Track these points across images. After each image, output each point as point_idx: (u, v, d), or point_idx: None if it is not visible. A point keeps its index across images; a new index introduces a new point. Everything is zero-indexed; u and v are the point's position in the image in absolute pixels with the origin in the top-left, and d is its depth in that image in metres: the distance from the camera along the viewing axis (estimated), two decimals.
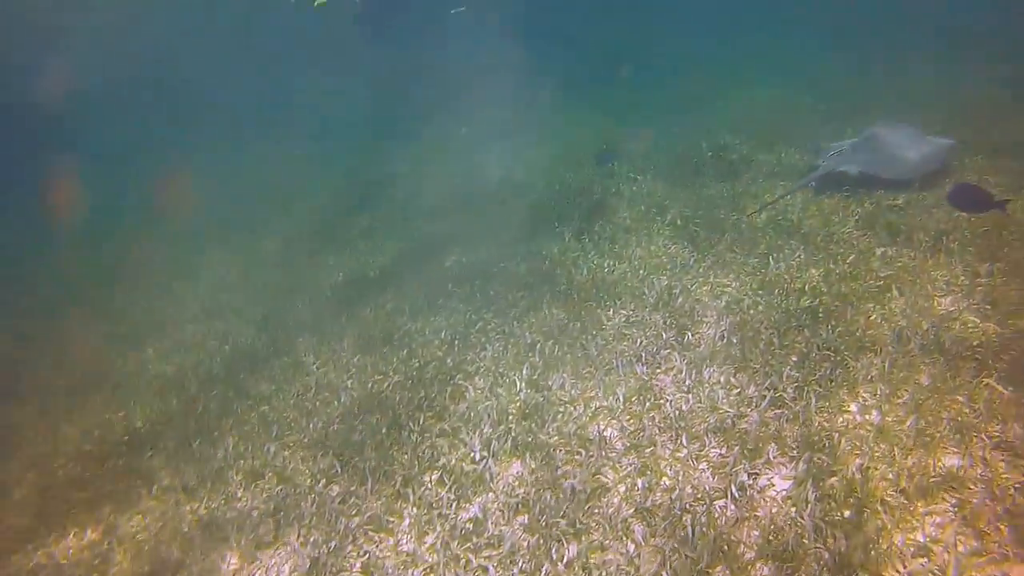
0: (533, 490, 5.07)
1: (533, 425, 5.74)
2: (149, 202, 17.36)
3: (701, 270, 7.56)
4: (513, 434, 5.69)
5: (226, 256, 12.61)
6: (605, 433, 5.46)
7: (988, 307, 5.84)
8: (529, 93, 18.65)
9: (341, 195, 14.45)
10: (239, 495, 5.96)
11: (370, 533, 5.10)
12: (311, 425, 6.60)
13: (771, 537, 4.13)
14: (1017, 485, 4.11)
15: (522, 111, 17.56)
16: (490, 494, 5.18)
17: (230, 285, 10.93)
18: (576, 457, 5.30)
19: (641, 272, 7.76)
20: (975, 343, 5.43)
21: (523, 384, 6.30)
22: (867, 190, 8.49)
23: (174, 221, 15.71)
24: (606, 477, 5.04)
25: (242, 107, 25.27)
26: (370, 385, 7.01)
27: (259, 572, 5.10)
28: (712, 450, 5.04)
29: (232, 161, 21.20)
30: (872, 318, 6.05)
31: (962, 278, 6.36)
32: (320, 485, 5.75)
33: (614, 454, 5.24)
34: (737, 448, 4.95)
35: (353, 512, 5.35)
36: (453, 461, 5.59)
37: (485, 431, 5.80)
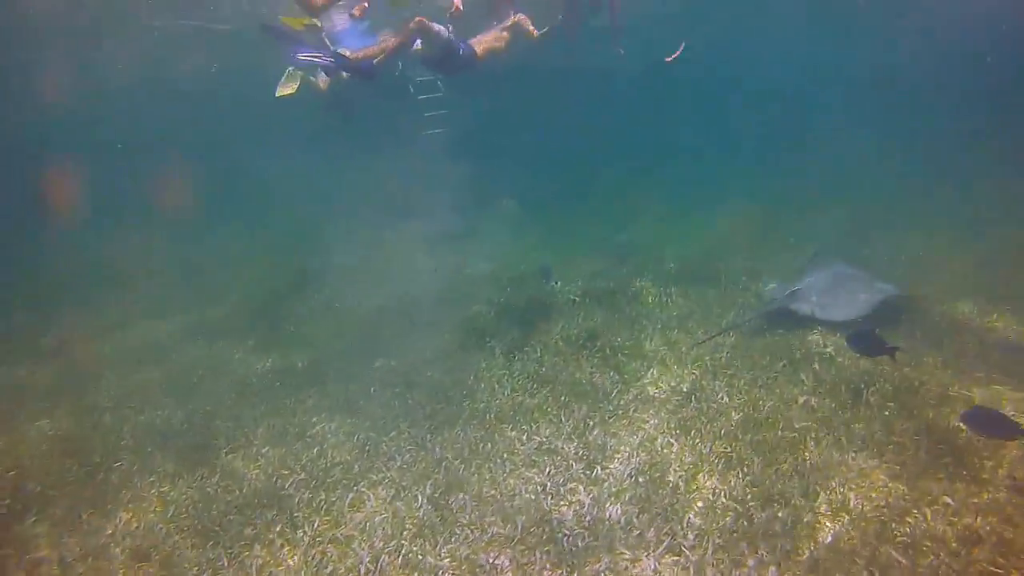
0: None
1: (427, 544, 5.50)
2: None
3: (622, 403, 7.44)
4: (404, 551, 5.44)
5: (153, 325, 12.28)
6: (496, 562, 5.23)
7: (898, 467, 5.78)
8: (483, 206, 18.86)
9: (279, 281, 14.21)
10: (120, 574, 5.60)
11: None
12: (208, 512, 6.27)
13: None
14: None
15: (473, 222, 17.69)
16: None
17: (154, 360, 10.57)
18: None
19: (562, 398, 7.63)
20: (882, 504, 5.36)
21: (424, 500, 6.07)
22: (802, 333, 8.54)
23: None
24: None
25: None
26: (275, 479, 6.73)
27: None
28: None
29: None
30: (784, 469, 5.95)
31: (878, 434, 6.31)
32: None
33: None
34: None
35: None
36: (341, 570, 5.32)
37: (377, 544, 5.54)
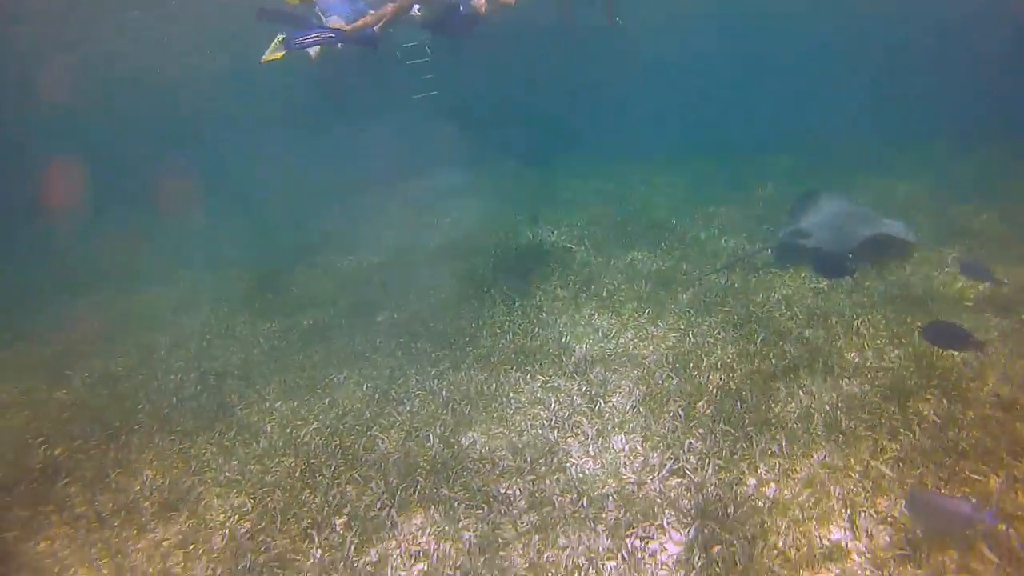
0: (433, 540, 5.06)
1: (440, 479, 5.74)
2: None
3: (621, 341, 7.67)
4: (419, 487, 5.67)
5: (161, 293, 12.41)
6: (508, 492, 5.48)
7: (890, 391, 6.03)
8: (477, 164, 18.90)
9: (280, 249, 14.33)
10: (151, 526, 5.82)
11: (275, 571, 5.02)
12: (229, 463, 6.49)
13: None
14: (895, 557, 4.23)
15: (469, 180, 17.75)
16: (392, 542, 5.16)
17: (163, 324, 10.71)
18: (478, 512, 5.30)
19: (564, 339, 7.85)
20: (874, 424, 5.61)
21: (436, 440, 6.30)
22: (795, 270, 8.78)
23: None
24: (505, 533, 5.04)
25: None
26: (290, 430, 6.94)
27: None
28: (610, 513, 5.07)
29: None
30: (780, 396, 6.21)
31: (871, 361, 6.57)
32: (232, 521, 5.66)
33: (515, 511, 5.26)
34: (634, 513, 5.00)
35: (261, 549, 5.27)
36: (361, 507, 5.55)
37: (392, 482, 5.77)
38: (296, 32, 10.09)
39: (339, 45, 11.93)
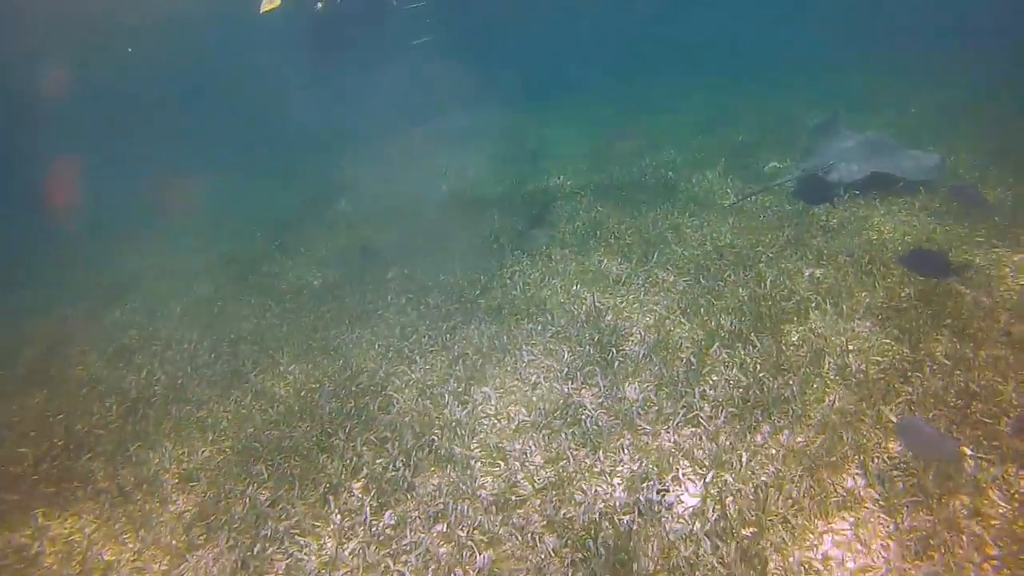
0: (451, 501, 5.14)
1: (456, 437, 5.80)
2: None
3: (632, 288, 7.68)
4: (435, 446, 5.74)
5: (170, 260, 12.44)
6: (523, 448, 5.54)
7: (899, 332, 6.03)
8: (479, 110, 18.69)
9: (286, 207, 14.27)
10: (173, 498, 5.93)
11: (296, 537, 5.13)
12: (246, 430, 6.58)
13: (671, 552, 4.25)
14: (907, 503, 4.29)
15: (471, 124, 17.57)
16: (411, 503, 5.24)
17: (172, 290, 10.74)
18: (495, 470, 5.38)
19: (574, 287, 7.86)
20: (885, 367, 5.63)
21: (450, 397, 6.36)
22: (804, 209, 8.73)
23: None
24: (523, 490, 5.12)
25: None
26: (303, 393, 7.01)
27: (188, 572, 5.10)
28: (625, 466, 5.14)
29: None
30: (792, 339, 6.22)
31: (881, 300, 6.56)
32: (251, 489, 5.75)
33: (532, 467, 5.33)
34: (649, 464, 5.07)
35: (281, 516, 5.37)
36: (378, 470, 5.63)
37: (408, 443, 5.84)
38: None
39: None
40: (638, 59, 24.34)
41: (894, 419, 5.05)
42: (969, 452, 4.67)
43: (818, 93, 16.04)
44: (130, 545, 5.46)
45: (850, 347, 5.96)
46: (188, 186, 16.79)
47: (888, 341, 5.96)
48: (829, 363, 5.81)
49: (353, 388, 6.85)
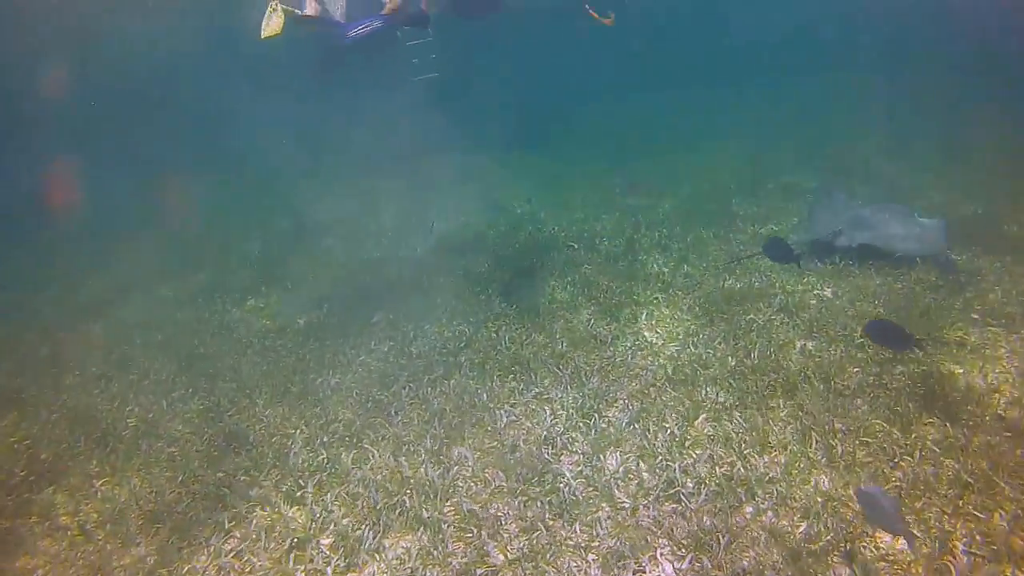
0: (420, 565, 4.95)
1: (428, 499, 5.61)
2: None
3: (620, 349, 7.51)
4: (407, 507, 5.54)
5: (152, 290, 12.24)
6: (499, 514, 5.35)
7: (890, 413, 5.87)
8: (478, 149, 18.60)
9: (275, 237, 14.08)
10: (137, 540, 5.74)
11: None
12: (215, 474, 6.38)
13: None
14: None
15: (468, 166, 17.45)
16: (380, 564, 5.07)
17: (153, 323, 10.53)
18: (467, 535, 5.18)
19: (560, 347, 7.69)
20: (875, 449, 5.47)
21: (425, 455, 6.16)
22: (800, 271, 8.62)
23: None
24: (495, 560, 4.92)
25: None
26: (275, 439, 6.81)
27: None
28: (602, 542, 4.94)
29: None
30: (780, 414, 6.05)
31: (872, 378, 6.39)
32: (215, 538, 5.54)
33: (506, 536, 5.13)
34: (627, 541, 4.87)
35: (245, 569, 5.24)
36: (349, 529, 5.43)
37: (379, 501, 5.65)
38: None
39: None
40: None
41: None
42: (961, 548, 4.48)
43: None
44: None
45: (838, 426, 5.78)
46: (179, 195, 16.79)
47: (879, 421, 5.78)
48: (816, 442, 5.63)
49: (328, 438, 6.65)
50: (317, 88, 19.79)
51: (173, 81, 25.28)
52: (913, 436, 5.55)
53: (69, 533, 5.92)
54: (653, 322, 7.99)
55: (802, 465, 5.41)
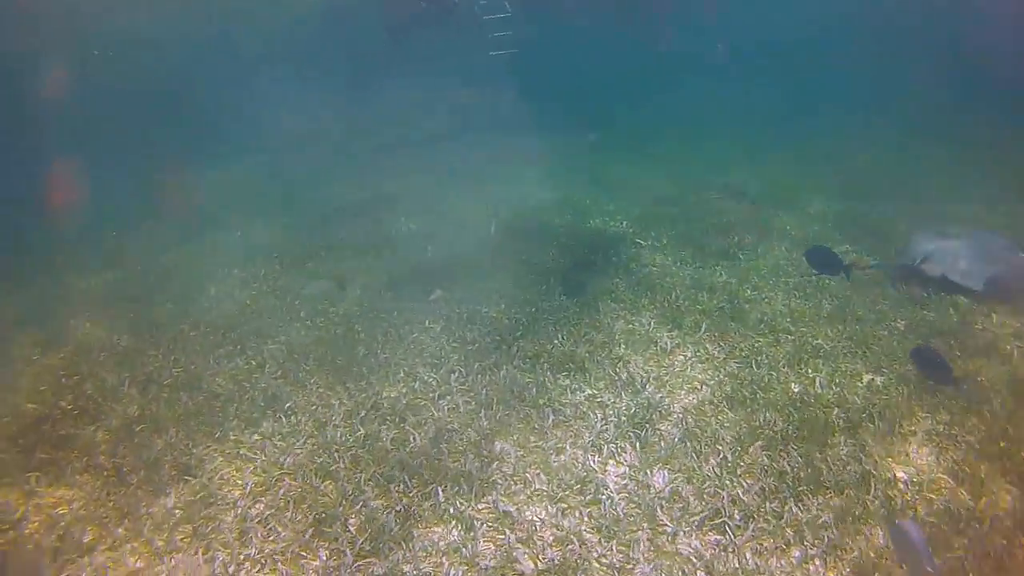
0: (446, 561, 4.88)
1: (464, 493, 5.49)
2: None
3: (679, 360, 7.26)
4: (440, 499, 5.44)
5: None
6: (534, 518, 5.20)
7: (961, 471, 5.53)
8: (557, 133, 18.20)
9: (335, 217, 13.88)
10: (167, 490, 5.77)
11: (279, 564, 4.96)
12: (249, 438, 6.38)
13: None
14: None
15: (536, 147, 17.10)
16: (404, 552, 4.99)
17: (219, 296, 10.47)
18: (499, 537, 5.05)
19: (620, 349, 7.46)
20: (939, 508, 5.15)
21: (466, 445, 6.05)
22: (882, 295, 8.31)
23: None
24: (524, 567, 4.77)
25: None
26: (317, 408, 6.77)
27: (163, 572, 4.95)
28: (639, 566, 4.75)
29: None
30: (840, 452, 5.75)
31: (942, 427, 6.04)
32: (243, 502, 5.58)
33: (539, 543, 4.98)
34: (664, 569, 4.68)
35: (269, 537, 5.21)
36: (379, 512, 5.35)
37: (413, 488, 5.55)
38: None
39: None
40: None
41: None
42: None
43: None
44: (112, 531, 5.32)
45: (900, 475, 5.48)
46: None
47: (945, 477, 5.45)
48: (876, 490, 5.33)
49: (371, 415, 6.57)
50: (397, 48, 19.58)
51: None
52: (984, 501, 5.21)
53: (105, 473, 5.96)
54: (716, 334, 7.71)
55: (858, 512, 5.13)
